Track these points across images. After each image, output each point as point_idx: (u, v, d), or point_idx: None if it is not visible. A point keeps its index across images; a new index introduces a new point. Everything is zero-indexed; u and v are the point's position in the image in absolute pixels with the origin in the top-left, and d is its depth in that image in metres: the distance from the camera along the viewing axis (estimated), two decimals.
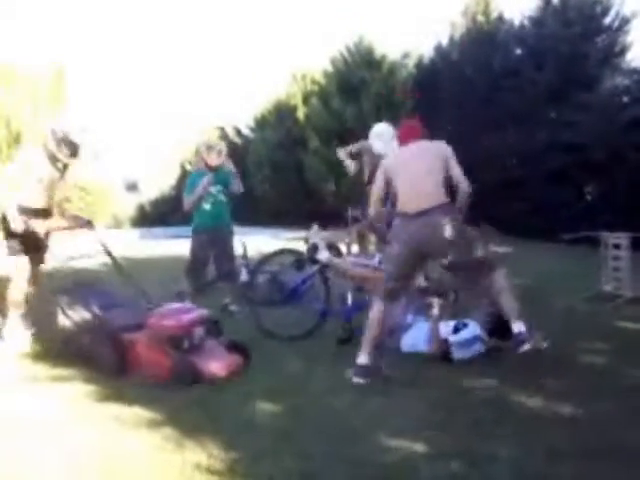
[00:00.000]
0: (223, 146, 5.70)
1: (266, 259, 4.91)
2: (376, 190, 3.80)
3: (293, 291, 4.88)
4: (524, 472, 2.27)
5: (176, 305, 3.95)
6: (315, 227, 5.01)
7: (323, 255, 4.55)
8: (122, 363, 3.56)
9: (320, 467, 2.30)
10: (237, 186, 5.57)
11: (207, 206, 5.39)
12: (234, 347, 3.75)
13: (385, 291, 3.61)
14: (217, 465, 2.32)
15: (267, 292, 5.06)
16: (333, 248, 5.09)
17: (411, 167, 3.64)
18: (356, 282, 4.56)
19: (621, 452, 2.41)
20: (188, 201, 5.36)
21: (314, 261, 4.66)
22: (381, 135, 5.23)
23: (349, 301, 4.51)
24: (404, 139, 3.93)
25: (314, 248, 4.66)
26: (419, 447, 2.47)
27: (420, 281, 4.27)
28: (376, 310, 3.59)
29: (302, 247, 4.88)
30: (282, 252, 5.07)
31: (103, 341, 3.64)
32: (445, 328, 3.96)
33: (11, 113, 21.34)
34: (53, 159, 4.35)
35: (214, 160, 5.44)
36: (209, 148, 5.48)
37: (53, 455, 2.42)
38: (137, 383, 3.34)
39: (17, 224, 4.11)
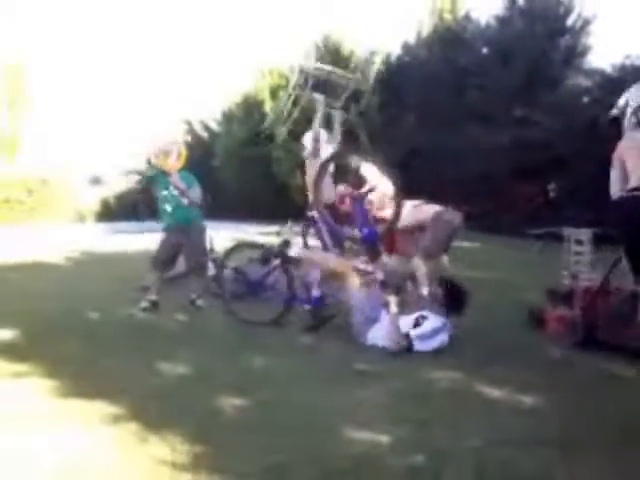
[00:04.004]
0: (181, 147, 5.49)
1: (228, 253, 5.00)
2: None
3: (257, 284, 4.95)
4: (486, 462, 2.30)
5: None
6: (289, 224, 5.18)
7: (294, 251, 4.78)
8: None
9: (286, 460, 2.29)
10: (195, 196, 5.36)
11: (168, 208, 5.31)
12: None
13: None
14: (181, 459, 2.29)
15: (233, 286, 5.13)
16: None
17: None
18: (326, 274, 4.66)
19: (575, 442, 2.47)
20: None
21: (278, 255, 4.82)
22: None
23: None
24: None
25: (286, 244, 4.86)
26: (384, 439, 2.49)
27: (379, 274, 4.21)
28: None
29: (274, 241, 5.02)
30: (240, 246, 5.22)
31: None
32: (405, 322, 3.94)
33: None
34: None
35: (172, 165, 5.27)
36: (165, 153, 5.27)
37: (12, 453, 2.35)
38: (101, 377, 3.27)
39: None
